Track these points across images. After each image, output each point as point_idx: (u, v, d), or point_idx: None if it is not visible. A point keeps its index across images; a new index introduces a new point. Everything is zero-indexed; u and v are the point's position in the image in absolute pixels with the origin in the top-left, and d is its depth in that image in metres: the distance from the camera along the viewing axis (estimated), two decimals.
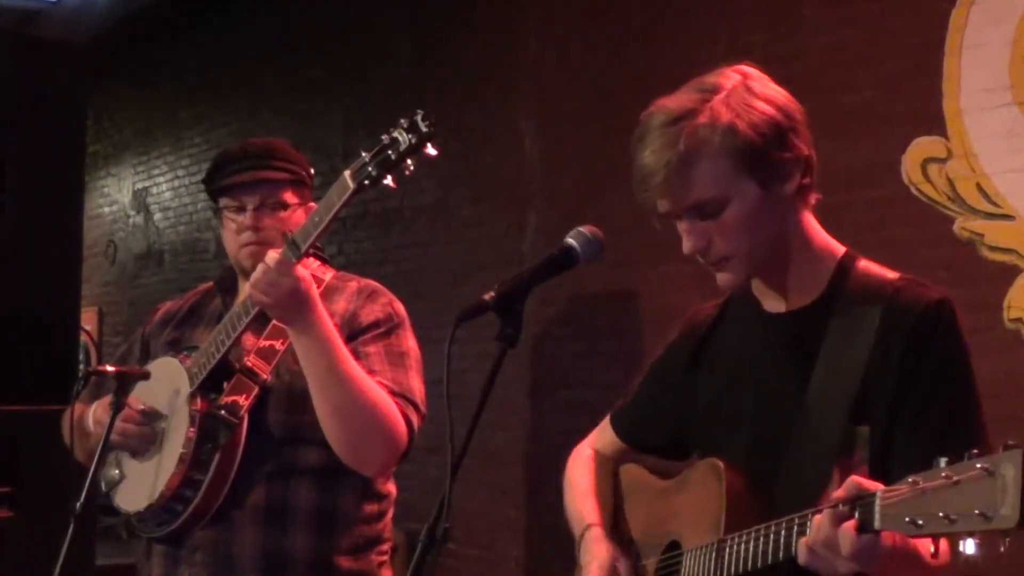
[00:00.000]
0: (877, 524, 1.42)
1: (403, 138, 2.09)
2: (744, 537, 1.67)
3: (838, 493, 1.50)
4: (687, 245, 1.77)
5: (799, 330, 1.80)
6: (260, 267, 2.25)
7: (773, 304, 1.86)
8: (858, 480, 1.50)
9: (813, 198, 1.81)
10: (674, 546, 1.89)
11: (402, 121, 2.10)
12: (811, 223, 1.83)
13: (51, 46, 4.58)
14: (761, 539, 1.63)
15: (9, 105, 4.19)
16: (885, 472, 1.68)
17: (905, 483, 1.38)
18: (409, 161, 2.10)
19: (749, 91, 1.74)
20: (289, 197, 2.52)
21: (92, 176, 9.20)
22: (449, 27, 5.85)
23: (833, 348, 1.75)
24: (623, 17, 4.87)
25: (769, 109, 1.73)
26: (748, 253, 1.76)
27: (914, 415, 1.69)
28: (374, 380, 2.35)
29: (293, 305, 2.25)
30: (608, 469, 2.17)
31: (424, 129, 2.07)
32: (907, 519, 1.36)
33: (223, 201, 2.54)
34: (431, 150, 2.09)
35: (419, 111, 2.09)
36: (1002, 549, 1.29)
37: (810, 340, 1.77)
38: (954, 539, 1.33)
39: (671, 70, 1.84)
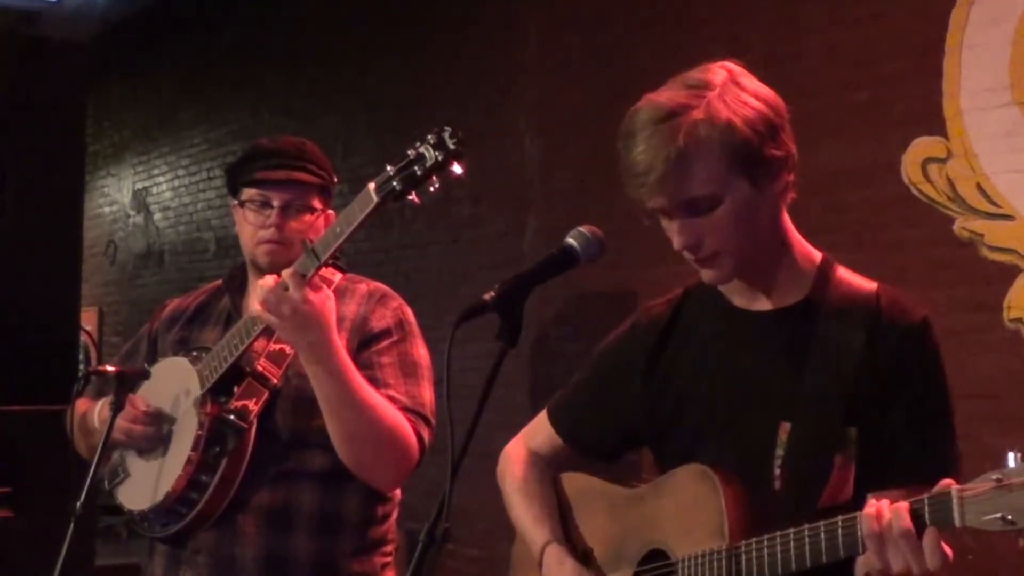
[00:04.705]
0: (957, 521, 1.42)
1: (429, 154, 2.01)
2: (765, 543, 1.64)
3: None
4: (678, 241, 1.76)
5: (789, 327, 1.80)
6: (267, 283, 2.23)
7: (750, 302, 1.85)
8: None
9: (790, 198, 1.81)
10: (657, 555, 1.85)
11: (429, 136, 2.03)
12: (789, 222, 1.83)
13: (51, 46, 4.57)
14: (792, 543, 1.61)
15: (9, 105, 4.19)
16: (873, 474, 1.71)
17: (987, 480, 1.39)
18: (435, 178, 2.03)
19: (740, 87, 1.73)
20: (316, 202, 2.49)
21: (92, 176, 9.20)
22: (449, 27, 5.85)
23: (824, 349, 1.75)
24: (623, 18, 4.87)
25: (761, 106, 1.72)
26: (737, 250, 1.76)
27: (905, 424, 1.72)
28: (388, 394, 2.34)
29: (299, 324, 2.21)
30: (548, 476, 2.11)
31: (451, 147, 2.00)
32: (998, 515, 1.37)
33: (247, 193, 2.49)
34: (457, 168, 2.02)
35: (447, 127, 2.02)
36: None
37: (800, 339, 1.78)
38: None
39: (671, 71, 1.83)
